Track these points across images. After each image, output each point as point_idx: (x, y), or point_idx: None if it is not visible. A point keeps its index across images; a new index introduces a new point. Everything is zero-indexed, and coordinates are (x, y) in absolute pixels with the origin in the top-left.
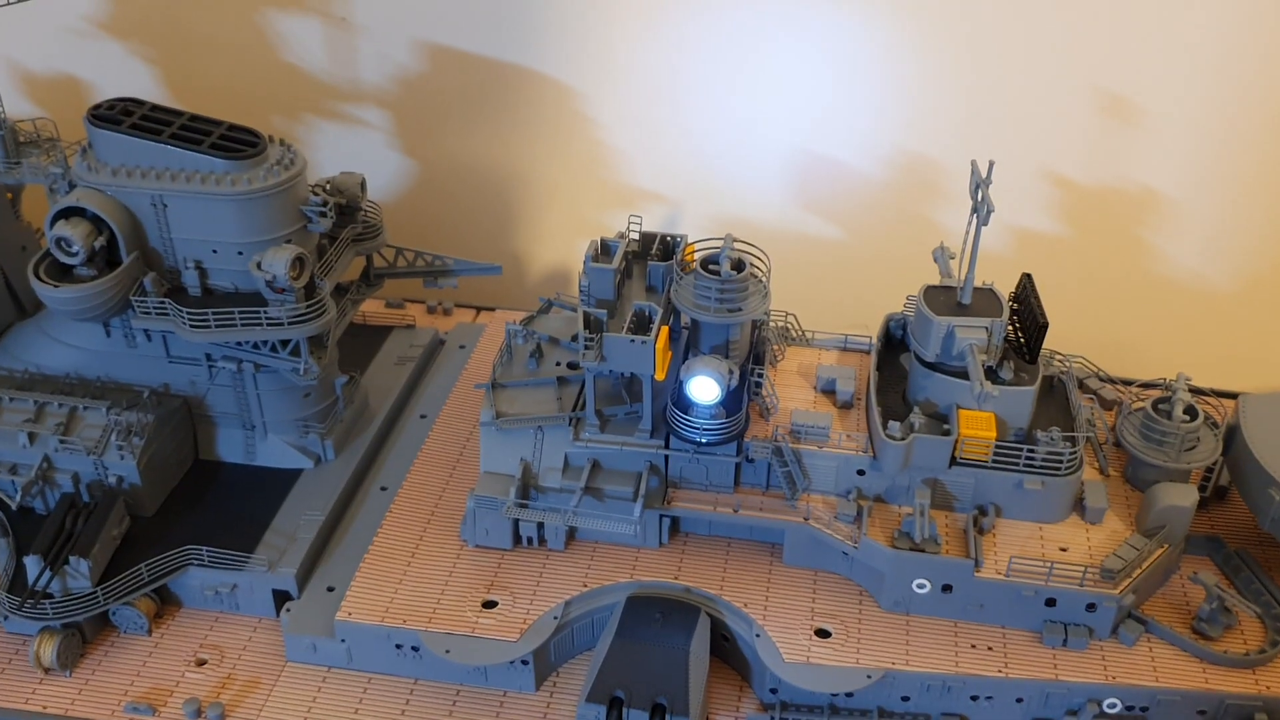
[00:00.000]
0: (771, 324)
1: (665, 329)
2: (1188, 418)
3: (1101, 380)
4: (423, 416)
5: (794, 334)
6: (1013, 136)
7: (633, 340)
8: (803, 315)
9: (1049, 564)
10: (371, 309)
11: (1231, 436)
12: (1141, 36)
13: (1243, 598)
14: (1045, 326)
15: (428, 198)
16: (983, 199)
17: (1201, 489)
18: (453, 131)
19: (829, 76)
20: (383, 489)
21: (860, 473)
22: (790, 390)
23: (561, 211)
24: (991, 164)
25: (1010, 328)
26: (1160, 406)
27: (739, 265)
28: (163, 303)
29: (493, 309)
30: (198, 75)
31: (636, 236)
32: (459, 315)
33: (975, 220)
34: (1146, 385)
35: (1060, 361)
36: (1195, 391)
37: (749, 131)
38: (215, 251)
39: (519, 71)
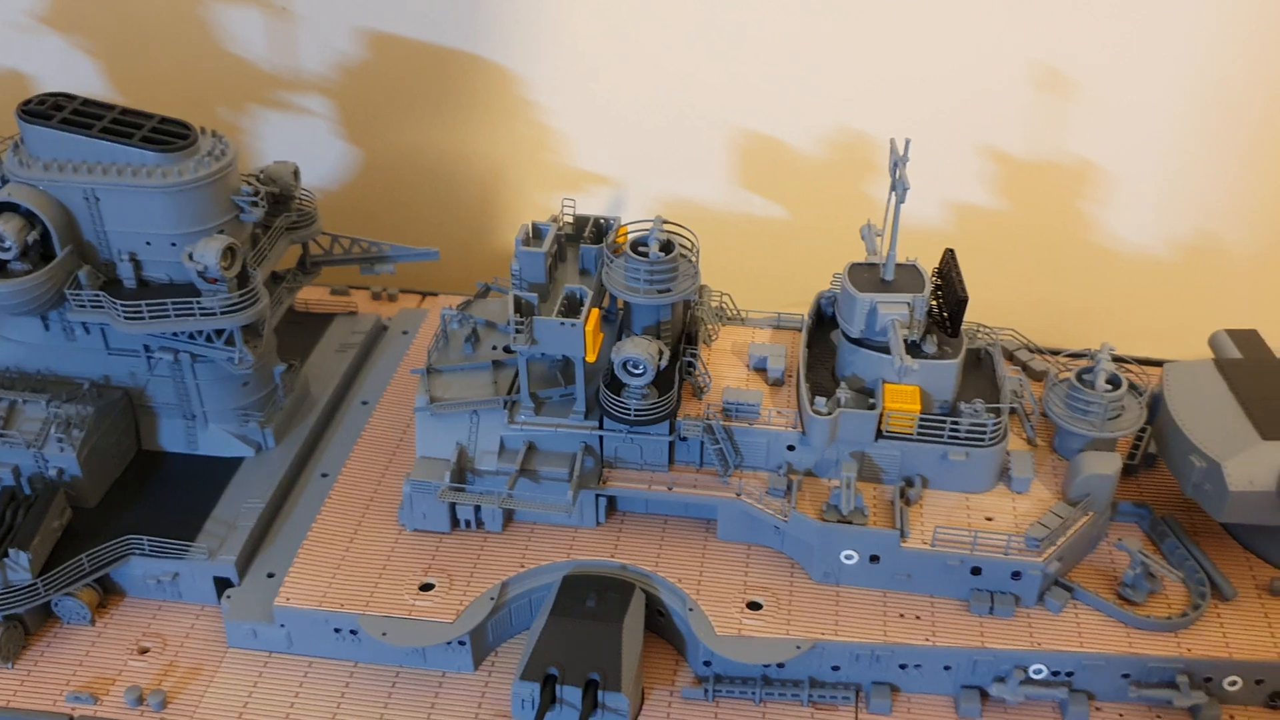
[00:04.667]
0: (707, 303)
1: (595, 311)
2: (1110, 387)
3: (1031, 351)
4: (364, 403)
5: (729, 313)
6: (951, 112)
7: (562, 323)
8: (748, 293)
9: (974, 533)
10: (316, 296)
11: (1156, 404)
12: (1074, 9)
13: (1168, 563)
14: (965, 301)
15: (373, 184)
16: (900, 177)
17: (1131, 457)
18: (396, 118)
19: (767, 54)
20: (323, 475)
21: (790, 448)
22: (724, 369)
23: (507, 195)
24: (908, 142)
25: (934, 302)
26: (1084, 377)
27: (667, 247)
28: (97, 295)
29: (437, 294)
30: (142, 67)
31: (570, 220)
32: (404, 301)
33: (894, 198)
34: (1075, 355)
35: (986, 334)
36: (1120, 360)
37: (689, 111)
38: (149, 244)
39: (460, 57)
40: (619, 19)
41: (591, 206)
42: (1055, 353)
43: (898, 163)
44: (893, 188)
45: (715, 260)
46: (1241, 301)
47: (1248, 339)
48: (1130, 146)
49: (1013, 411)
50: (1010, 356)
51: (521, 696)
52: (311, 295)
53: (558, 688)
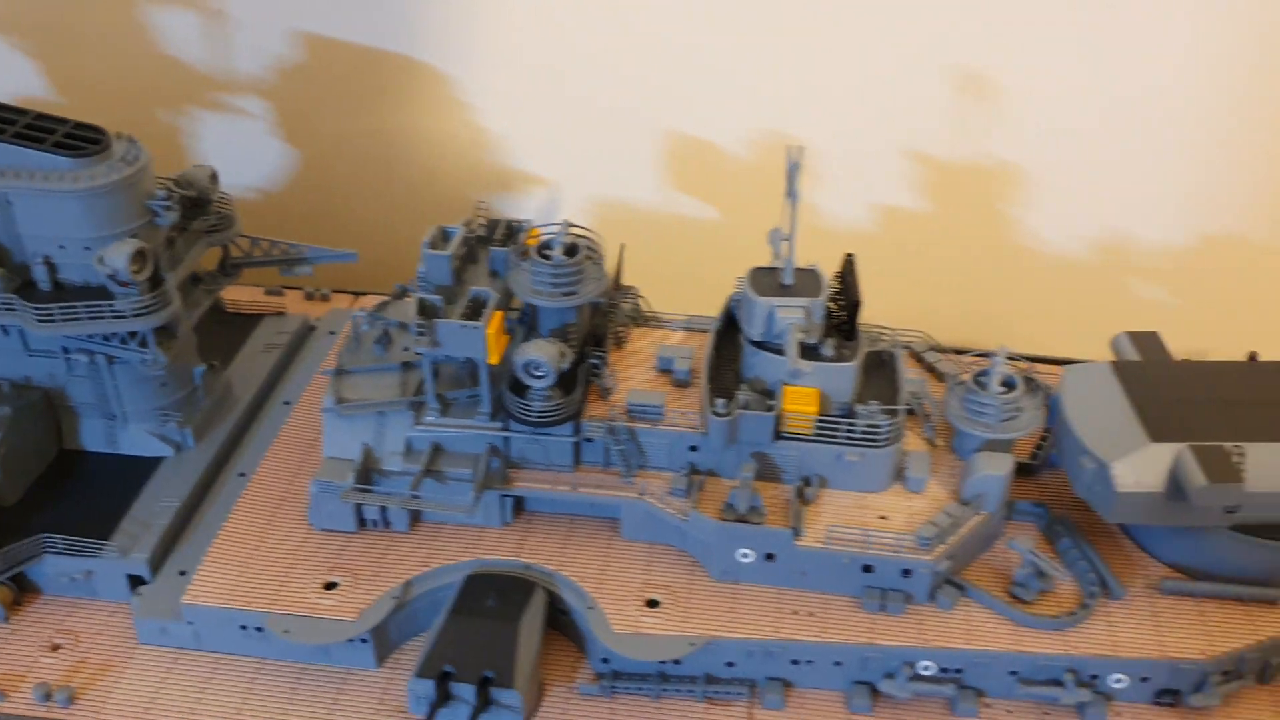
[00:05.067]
0: (621, 305)
1: (499, 314)
2: (1004, 389)
3: (939, 353)
4: (286, 403)
5: (645, 315)
6: (875, 115)
7: (464, 326)
8: (678, 294)
9: (866, 532)
10: (249, 297)
11: (1055, 406)
12: (993, 13)
13: (1061, 562)
14: (859, 305)
15: (311, 184)
16: (794, 185)
17: (1033, 457)
18: (332, 119)
19: (697, 59)
20: (241, 475)
21: (693, 449)
22: (633, 370)
23: (442, 195)
24: (801, 149)
25: (833, 306)
26: (980, 379)
27: (572, 250)
28: (10, 299)
29: (369, 294)
30: (79, 69)
31: (483, 222)
32: (336, 301)
33: (791, 205)
34: (984, 355)
35: (888, 337)
36: (1039, 361)
37: (621, 114)
38: (63, 247)
39: (394, 59)
40: (551, 21)
41: (526, 207)
42: (962, 353)
43: (792, 169)
44: (788, 195)
45: (646, 261)
46: (1158, 301)
47: (1148, 341)
48: (1047, 148)
49: (912, 412)
50: (919, 358)
51: (417, 693)
52: (244, 295)
53: (452, 685)
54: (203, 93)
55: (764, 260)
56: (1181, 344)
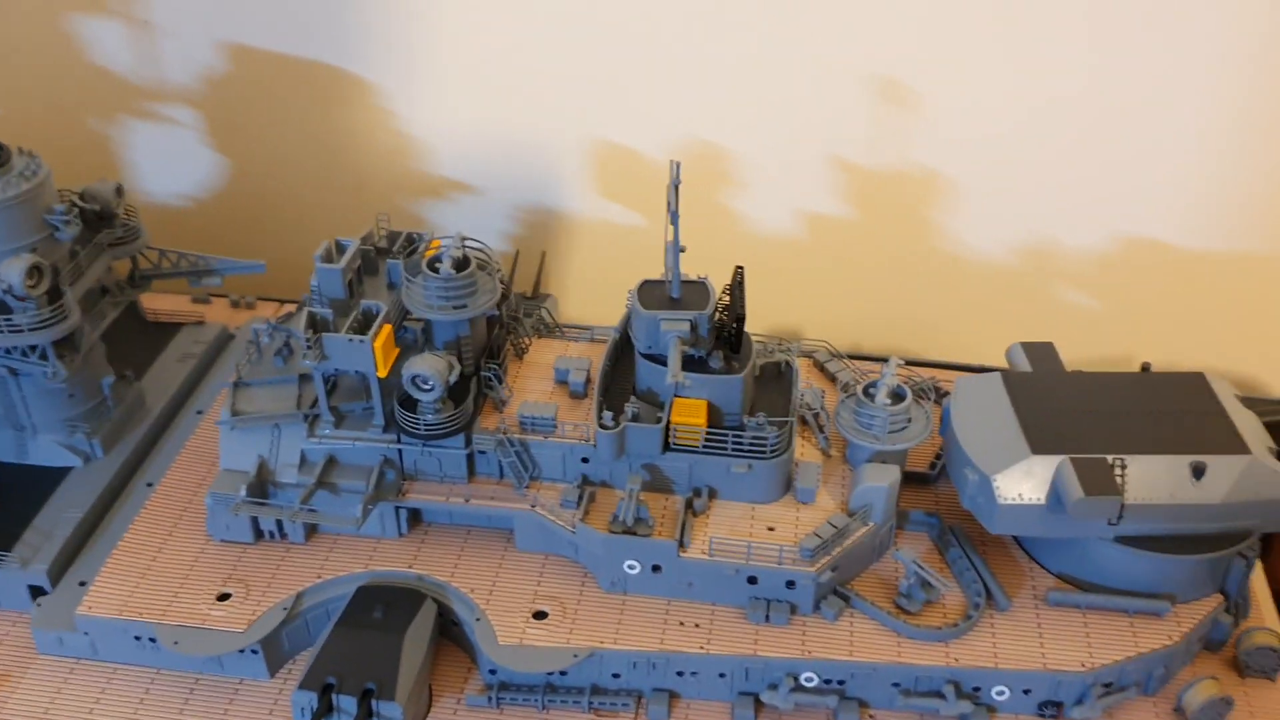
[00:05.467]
0: (522, 317)
1: (387, 327)
2: (891, 400)
3: (841, 360)
4: (199, 412)
5: (549, 326)
6: (799, 123)
7: (350, 339)
8: (605, 302)
9: (748, 543)
10: (172, 306)
11: (945, 416)
12: (913, 21)
13: (950, 572)
14: (743, 318)
15: (242, 193)
16: (674, 200)
17: (932, 467)
18: (261, 129)
19: (621, 67)
20: (149, 484)
21: (585, 460)
22: (531, 382)
23: (372, 203)
24: (677, 164)
25: (722, 318)
26: (869, 390)
27: (463, 264)
28: None
29: (296, 302)
30: (6, 79)
31: (384, 234)
32: (262, 309)
33: (673, 220)
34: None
35: (783, 349)
36: (963, 370)
37: (550, 121)
38: None
39: (319, 68)
40: (478, 28)
41: (452, 214)
42: (865, 359)
43: (672, 185)
44: (669, 209)
45: (572, 268)
46: (1083, 307)
47: (1042, 351)
48: (970, 154)
49: (804, 423)
50: (821, 368)
51: (300, 705)
52: (166, 304)
53: (335, 696)
54: (134, 101)
55: (691, 268)
56: (1105, 350)
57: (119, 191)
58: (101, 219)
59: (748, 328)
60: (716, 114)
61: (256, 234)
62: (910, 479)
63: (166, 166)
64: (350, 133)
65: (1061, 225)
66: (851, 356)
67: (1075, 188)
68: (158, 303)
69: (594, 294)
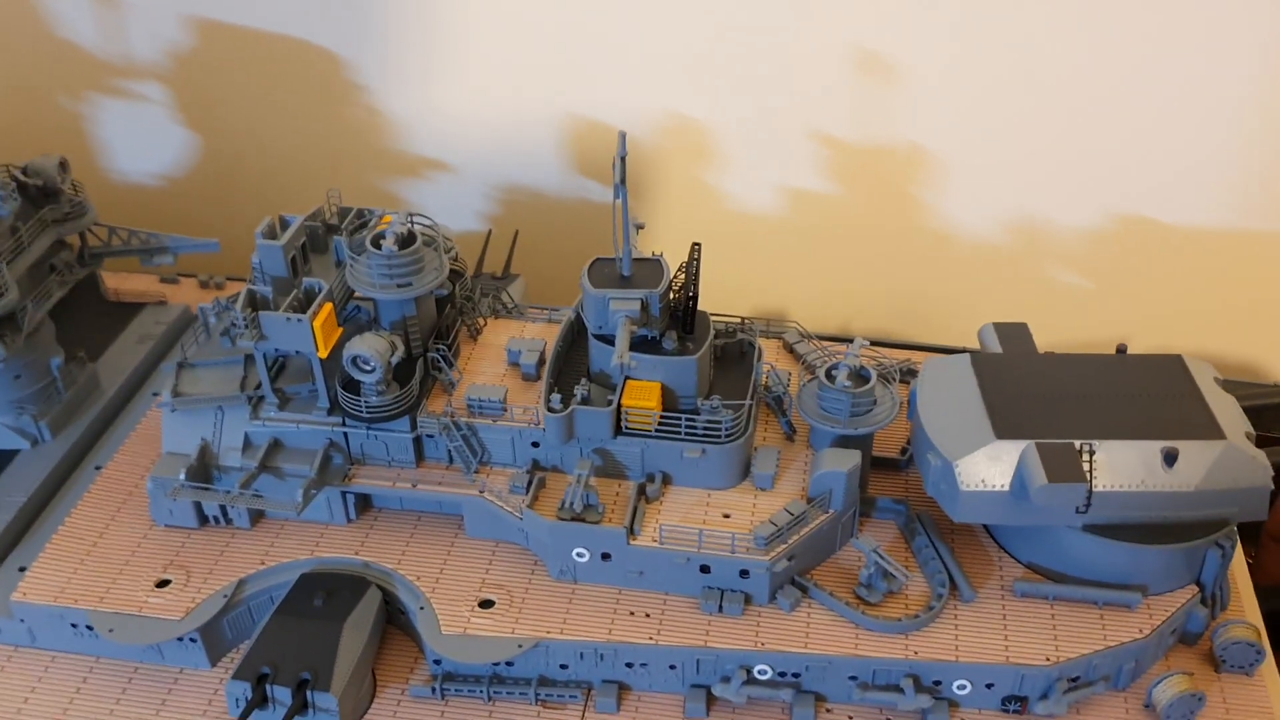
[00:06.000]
0: (478, 296)
1: (328, 306)
2: (853, 383)
3: (816, 342)
4: (155, 394)
5: (507, 306)
6: (779, 97)
7: (289, 319)
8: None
9: (700, 531)
10: (143, 286)
11: (912, 399)
12: None
13: (915, 561)
14: (696, 298)
15: (214, 171)
16: (619, 171)
17: (903, 452)
18: (232, 105)
19: (597, 41)
20: (97, 468)
21: (535, 444)
22: (484, 364)
23: (346, 181)
24: (623, 135)
25: (676, 296)
26: (831, 372)
27: (408, 240)
28: None
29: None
30: None
31: (335, 210)
32: (231, 289)
33: (621, 195)
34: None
35: (745, 329)
36: (945, 351)
37: (525, 97)
38: None
39: (290, 42)
40: (450, 3)
41: (429, 193)
42: (833, 340)
43: (619, 157)
44: (617, 181)
45: (550, 247)
46: (1074, 286)
47: (1014, 332)
48: (958, 128)
49: (764, 405)
50: (790, 349)
51: (235, 695)
52: (130, 284)
53: (269, 687)
54: (103, 78)
55: (663, 244)
56: (1097, 331)
57: (63, 166)
58: (46, 195)
59: (722, 308)
60: (695, 87)
61: (229, 213)
62: (879, 464)
63: (139, 145)
64: (324, 111)
65: (1053, 202)
66: (831, 338)
67: (1067, 164)
68: (125, 283)
69: (572, 273)
